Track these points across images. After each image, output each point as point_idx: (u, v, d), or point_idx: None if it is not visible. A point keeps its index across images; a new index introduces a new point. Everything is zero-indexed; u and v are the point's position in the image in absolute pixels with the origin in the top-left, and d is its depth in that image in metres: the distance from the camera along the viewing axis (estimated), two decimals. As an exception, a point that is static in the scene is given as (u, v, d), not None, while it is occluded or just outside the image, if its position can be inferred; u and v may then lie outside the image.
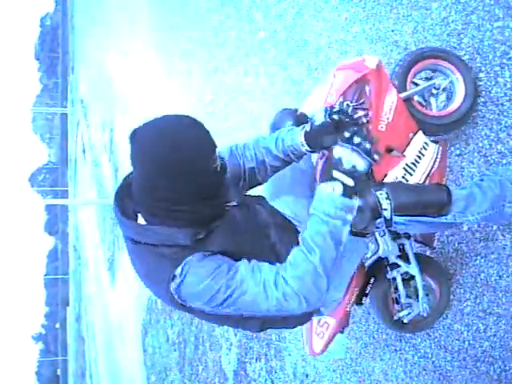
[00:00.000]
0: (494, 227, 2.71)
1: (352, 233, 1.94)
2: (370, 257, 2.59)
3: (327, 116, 2.04)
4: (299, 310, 1.84)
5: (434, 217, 2.14)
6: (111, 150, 16.67)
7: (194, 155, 1.72)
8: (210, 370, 6.80)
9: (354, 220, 1.86)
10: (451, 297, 2.95)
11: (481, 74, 2.74)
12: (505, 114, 2.65)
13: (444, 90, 2.71)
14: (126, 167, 13.42)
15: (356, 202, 1.86)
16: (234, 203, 2.02)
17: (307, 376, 4.29)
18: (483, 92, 2.73)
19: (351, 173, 1.88)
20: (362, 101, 2.34)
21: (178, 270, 1.78)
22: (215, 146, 1.80)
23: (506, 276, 2.68)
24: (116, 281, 16.20)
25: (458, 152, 2.86)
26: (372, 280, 2.57)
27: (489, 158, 2.72)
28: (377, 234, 2.47)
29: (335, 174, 1.89)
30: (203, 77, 7.03)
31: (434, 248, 2.93)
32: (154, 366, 10.59)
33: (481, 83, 2.74)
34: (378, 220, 1.98)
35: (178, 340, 8.44)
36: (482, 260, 2.79)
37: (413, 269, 2.61)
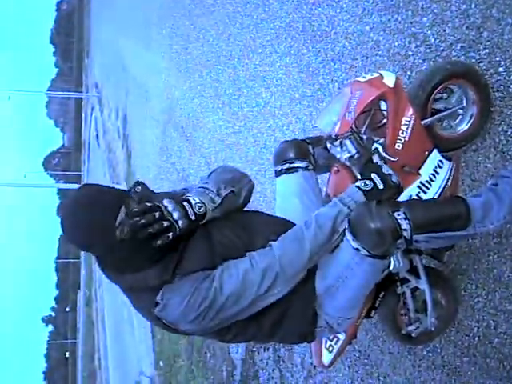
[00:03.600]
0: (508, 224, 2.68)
1: (373, 256, 1.95)
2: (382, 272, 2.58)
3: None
4: (280, 285, 1.93)
5: (454, 230, 2.12)
6: (124, 135, 16.72)
7: (96, 233, 1.81)
8: (218, 357, 6.83)
9: (374, 243, 1.92)
10: (462, 293, 2.94)
11: (500, 69, 2.70)
12: (523, 109, 2.62)
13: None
14: (139, 153, 13.46)
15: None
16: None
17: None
18: (502, 87, 2.70)
19: (385, 178, 2.09)
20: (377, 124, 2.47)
21: (158, 296, 1.88)
22: (113, 217, 1.80)
23: (519, 273, 2.66)
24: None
25: (474, 147, 2.83)
26: (382, 294, 2.56)
27: (505, 154, 2.69)
28: None
29: (373, 175, 2.10)
30: (219, 63, 7.02)
31: (445, 263, 2.91)
32: (163, 351, 10.66)
33: (499, 78, 2.71)
34: (399, 241, 1.95)
35: (187, 327, 8.47)
36: (496, 256, 2.77)
37: (422, 284, 2.62)
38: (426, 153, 2.35)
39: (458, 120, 2.67)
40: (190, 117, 8.19)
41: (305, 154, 2.44)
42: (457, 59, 2.93)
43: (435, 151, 2.37)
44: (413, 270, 2.62)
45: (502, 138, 2.71)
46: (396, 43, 3.44)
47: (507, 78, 2.68)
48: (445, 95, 2.62)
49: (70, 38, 58.38)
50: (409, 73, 2.88)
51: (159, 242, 1.81)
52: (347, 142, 2.32)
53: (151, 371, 11.92)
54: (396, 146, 2.28)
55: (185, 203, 1.91)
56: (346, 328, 2.26)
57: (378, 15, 3.64)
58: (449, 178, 2.39)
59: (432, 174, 2.35)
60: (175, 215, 1.86)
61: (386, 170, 2.13)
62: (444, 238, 2.14)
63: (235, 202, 2.15)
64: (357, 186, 2.09)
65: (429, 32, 3.15)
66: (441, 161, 2.37)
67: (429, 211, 2.10)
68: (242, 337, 2.13)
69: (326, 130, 2.37)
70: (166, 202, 1.87)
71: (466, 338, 2.95)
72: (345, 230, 1.98)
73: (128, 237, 1.79)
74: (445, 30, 3.03)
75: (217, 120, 6.91)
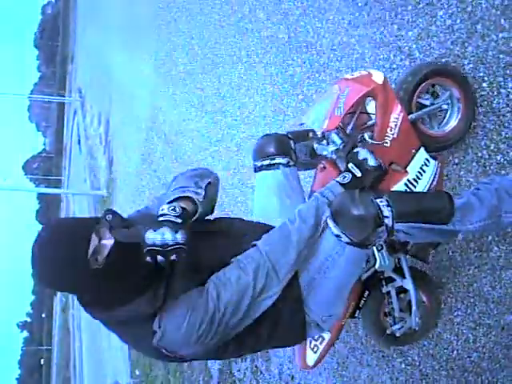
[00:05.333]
0: (489, 237, 2.70)
1: (353, 244, 1.92)
2: (367, 271, 2.57)
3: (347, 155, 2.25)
4: (273, 284, 1.90)
5: (436, 223, 2.11)
6: (107, 141, 16.63)
7: (67, 268, 1.69)
8: (195, 367, 6.78)
9: (356, 230, 1.90)
10: (442, 306, 2.95)
11: (483, 84, 2.73)
12: (506, 124, 2.64)
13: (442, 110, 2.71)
14: (121, 160, 13.39)
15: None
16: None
17: (293, 378, 4.28)
18: (485, 102, 2.72)
19: (362, 164, 2.13)
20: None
21: (155, 324, 1.80)
22: (86, 242, 1.69)
23: (499, 287, 2.67)
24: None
25: (456, 161, 2.85)
26: (366, 294, 2.57)
27: (487, 169, 2.71)
28: (374, 247, 2.46)
29: (350, 165, 2.15)
30: (203, 71, 7.02)
31: (429, 263, 2.89)
32: (139, 360, 10.57)
33: (483, 93, 2.73)
34: (380, 228, 1.93)
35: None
36: (476, 270, 2.78)
37: (407, 283, 2.61)
38: (414, 151, 2.36)
39: (443, 119, 2.71)
40: (173, 124, 8.16)
41: (286, 149, 2.36)
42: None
43: (422, 149, 2.38)
44: (398, 270, 2.62)
45: (485, 152, 2.72)
46: (381, 56, 3.46)
47: (490, 93, 2.70)
48: (429, 96, 2.66)
49: (54, 41, 58.08)
50: (393, 85, 2.87)
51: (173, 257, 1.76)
52: (333, 135, 2.29)
53: (127, 380, 11.81)
54: (384, 144, 2.30)
55: (160, 218, 1.83)
56: (331, 326, 2.21)
57: (364, 28, 3.65)
58: (434, 177, 2.40)
59: (419, 172, 2.35)
60: (172, 237, 1.76)
61: (362, 155, 2.16)
62: (425, 230, 2.13)
63: (215, 194, 2.15)
64: (336, 181, 2.13)
65: (414, 46, 3.17)
66: (427, 159, 2.38)
67: (412, 201, 2.11)
68: (240, 351, 2.10)
69: (313, 127, 2.37)
70: (152, 235, 1.76)
71: (445, 351, 2.96)
72: (327, 219, 1.96)
73: (103, 266, 1.69)
74: (430, 45, 3.05)
75: (200, 128, 6.89)
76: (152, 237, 1.75)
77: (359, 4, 3.75)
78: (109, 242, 1.72)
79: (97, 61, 21.69)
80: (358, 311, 2.59)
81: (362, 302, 2.57)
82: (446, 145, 2.71)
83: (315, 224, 1.98)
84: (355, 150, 2.19)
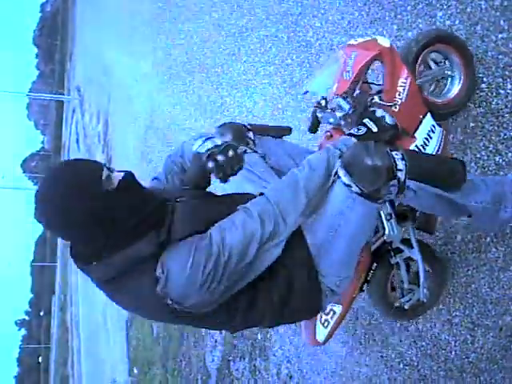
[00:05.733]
0: (488, 239, 2.71)
1: (364, 194, 1.90)
2: (375, 241, 2.54)
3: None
4: (281, 231, 1.87)
5: (446, 189, 2.11)
6: (105, 140, 16.61)
7: (79, 192, 1.70)
8: (193, 366, 6.79)
9: (368, 180, 1.88)
10: (440, 306, 2.95)
11: (482, 85, 2.73)
12: (504, 125, 2.64)
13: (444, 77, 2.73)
14: (119, 158, 13.38)
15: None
16: (183, 199, 1.97)
17: (291, 378, 4.28)
18: (484, 103, 2.72)
19: (379, 121, 2.15)
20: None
21: (158, 270, 1.75)
22: (96, 175, 1.74)
23: (497, 288, 2.67)
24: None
25: (455, 162, 2.84)
26: (374, 266, 2.55)
27: (486, 170, 2.71)
28: (383, 215, 2.44)
29: (365, 120, 2.15)
30: (202, 70, 7.02)
31: (434, 233, 2.84)
32: (137, 358, 10.56)
33: (482, 94, 2.74)
34: (392, 182, 1.93)
35: (163, 334, 8.43)
36: (474, 271, 2.78)
37: (415, 253, 2.56)
38: (421, 116, 2.35)
39: (445, 86, 2.71)
40: (172, 123, 8.16)
41: (242, 138, 2.33)
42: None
43: (429, 115, 2.37)
44: (405, 241, 2.59)
45: (483, 153, 2.72)
46: (380, 56, 3.44)
47: (489, 94, 2.70)
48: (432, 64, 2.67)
49: (53, 40, 57.97)
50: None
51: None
52: (340, 100, 2.25)
53: (125, 378, 11.81)
54: (393, 108, 2.27)
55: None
56: (345, 289, 2.15)
57: (364, 28, 3.65)
58: (440, 144, 2.39)
59: (426, 139, 2.34)
60: (221, 141, 2.00)
61: (379, 113, 2.17)
62: (434, 197, 2.12)
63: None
64: (349, 133, 2.11)
65: (413, 46, 3.16)
66: (433, 126, 2.37)
67: (428, 159, 2.13)
68: (252, 315, 1.97)
69: (319, 92, 2.35)
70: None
71: (443, 351, 2.96)
72: (338, 168, 1.94)
73: (113, 191, 1.75)
74: (429, 45, 3.04)
75: (199, 127, 6.88)
76: (205, 144, 1.99)
77: (359, 4, 3.75)
78: (119, 174, 1.81)
79: (96, 59, 21.64)
80: (366, 285, 2.56)
81: (370, 274, 2.54)
82: (450, 112, 2.71)
83: (326, 174, 1.94)
84: (371, 109, 2.21)
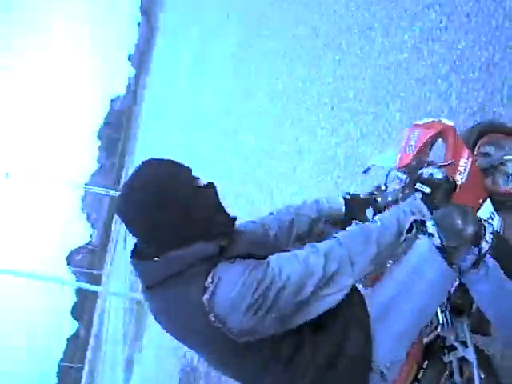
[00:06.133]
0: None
1: (443, 249, 1.94)
2: (429, 334, 2.36)
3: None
4: (345, 270, 1.84)
5: None
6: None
7: (173, 185, 1.85)
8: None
9: (452, 236, 1.94)
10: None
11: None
12: None
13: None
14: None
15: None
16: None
17: None
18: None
19: (429, 180, 2.17)
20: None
21: (209, 279, 1.76)
22: (189, 170, 1.93)
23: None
24: (130, 384, 15.03)
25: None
26: (425, 364, 2.30)
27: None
28: (438, 308, 2.31)
29: (417, 185, 2.18)
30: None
31: (490, 334, 2.54)
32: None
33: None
34: (473, 248, 1.96)
35: None
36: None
37: (470, 354, 2.34)
38: (481, 200, 2.41)
39: (508, 175, 2.78)
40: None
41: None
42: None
43: (488, 201, 2.42)
44: (460, 339, 2.41)
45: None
46: None
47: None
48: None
49: (117, 135, 59.85)
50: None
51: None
52: (398, 173, 2.35)
53: None
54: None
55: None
56: (395, 375, 2.04)
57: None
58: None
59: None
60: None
61: (426, 173, 2.18)
62: (501, 284, 2.06)
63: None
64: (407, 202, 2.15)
65: None
66: (493, 213, 2.42)
67: None
68: (293, 367, 1.86)
69: (383, 165, 2.49)
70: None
71: None
72: (426, 220, 2.02)
73: (202, 186, 1.91)
74: None
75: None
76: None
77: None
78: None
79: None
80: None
81: (421, 373, 2.28)
82: (511, 201, 2.74)
83: (398, 232, 1.98)
84: (419, 172, 2.22)
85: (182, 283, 1.79)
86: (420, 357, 2.31)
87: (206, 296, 1.73)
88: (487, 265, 2.02)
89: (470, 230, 1.91)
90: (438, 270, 1.98)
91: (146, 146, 30.78)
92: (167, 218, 1.80)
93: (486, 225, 1.99)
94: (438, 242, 1.93)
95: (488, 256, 1.99)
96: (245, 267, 1.75)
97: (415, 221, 2.02)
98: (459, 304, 2.40)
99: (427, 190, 2.12)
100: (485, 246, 1.95)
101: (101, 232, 62.56)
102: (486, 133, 2.67)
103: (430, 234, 1.94)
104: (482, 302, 2.20)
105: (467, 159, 2.36)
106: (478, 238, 1.94)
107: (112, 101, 70.91)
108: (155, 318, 1.97)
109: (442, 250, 1.93)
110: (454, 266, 1.97)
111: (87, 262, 62.63)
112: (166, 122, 21.31)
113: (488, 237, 1.96)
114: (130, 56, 67.14)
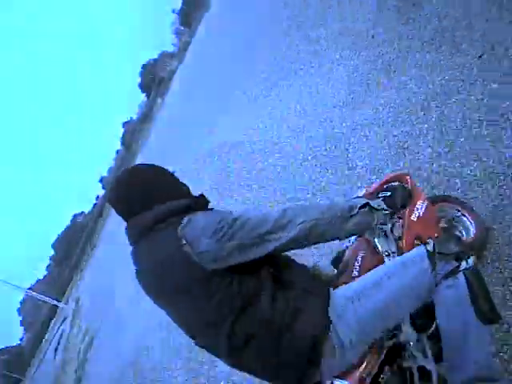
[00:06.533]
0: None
1: (428, 253, 2.20)
2: (390, 338, 2.42)
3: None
4: (291, 230, 2.05)
5: (481, 311, 2.16)
6: (83, 359, 15.96)
7: (157, 177, 2.28)
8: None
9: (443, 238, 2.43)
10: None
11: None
12: None
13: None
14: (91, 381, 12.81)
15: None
16: None
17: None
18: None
19: (387, 188, 2.50)
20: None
21: (184, 220, 2.07)
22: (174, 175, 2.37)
23: None
24: None
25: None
26: (386, 369, 2.36)
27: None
28: (403, 321, 2.42)
29: (379, 194, 2.47)
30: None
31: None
32: None
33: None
34: (455, 261, 2.21)
35: None
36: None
37: (430, 363, 2.41)
38: (437, 234, 2.65)
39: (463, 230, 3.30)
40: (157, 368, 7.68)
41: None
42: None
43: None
44: (420, 349, 2.49)
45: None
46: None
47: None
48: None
49: (73, 248, 58.82)
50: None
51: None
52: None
53: None
54: (412, 217, 2.64)
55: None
56: (355, 357, 2.12)
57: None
58: None
59: None
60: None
61: (381, 195, 2.47)
62: (464, 308, 2.17)
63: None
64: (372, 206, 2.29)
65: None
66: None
67: (485, 283, 2.22)
68: (255, 306, 2.02)
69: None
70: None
71: None
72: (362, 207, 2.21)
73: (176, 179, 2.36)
74: None
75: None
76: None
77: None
78: None
79: (104, 281, 21.61)
80: None
81: (381, 379, 2.32)
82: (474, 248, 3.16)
83: (348, 208, 2.17)
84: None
85: (162, 229, 2.11)
86: (376, 360, 2.32)
87: (181, 226, 2.04)
88: (458, 278, 2.19)
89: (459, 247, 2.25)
90: (421, 268, 2.17)
91: (97, 267, 29.79)
92: (146, 191, 2.22)
93: (470, 260, 2.25)
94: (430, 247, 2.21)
95: (461, 274, 2.17)
96: (216, 211, 2.16)
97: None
98: (419, 324, 2.48)
99: (388, 194, 2.42)
100: (465, 264, 2.17)
101: (32, 336, 59.99)
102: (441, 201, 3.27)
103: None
104: (441, 307, 2.27)
105: (423, 202, 2.70)
106: (462, 255, 2.25)
107: (75, 215, 70.31)
108: (138, 276, 2.26)
109: (430, 257, 2.17)
110: (433, 272, 2.17)
111: (11, 365, 59.57)
112: (119, 259, 20.94)
113: (470, 261, 2.19)
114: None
